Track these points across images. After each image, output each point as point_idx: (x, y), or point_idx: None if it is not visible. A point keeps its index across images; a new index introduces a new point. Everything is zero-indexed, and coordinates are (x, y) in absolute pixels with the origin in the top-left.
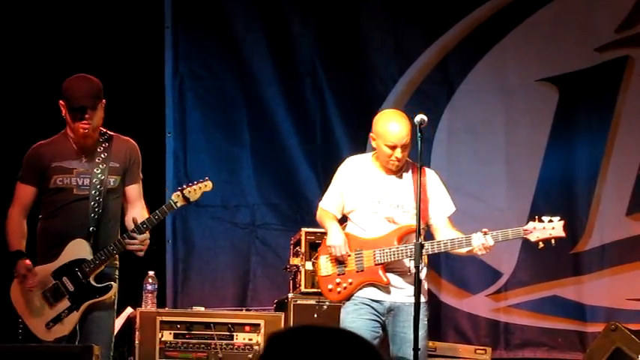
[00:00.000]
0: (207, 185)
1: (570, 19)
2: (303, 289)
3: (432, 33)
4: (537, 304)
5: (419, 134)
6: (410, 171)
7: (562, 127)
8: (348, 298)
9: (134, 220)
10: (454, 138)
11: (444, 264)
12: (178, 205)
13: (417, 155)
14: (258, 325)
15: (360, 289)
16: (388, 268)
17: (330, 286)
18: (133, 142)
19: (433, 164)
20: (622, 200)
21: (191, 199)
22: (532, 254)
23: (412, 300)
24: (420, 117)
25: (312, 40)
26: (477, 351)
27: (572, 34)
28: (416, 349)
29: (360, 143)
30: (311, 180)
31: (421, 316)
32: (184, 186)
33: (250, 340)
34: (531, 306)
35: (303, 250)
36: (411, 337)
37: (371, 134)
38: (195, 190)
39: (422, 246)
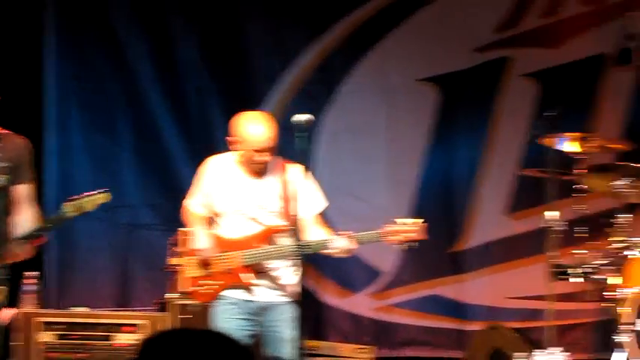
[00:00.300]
0: (104, 197)
1: (450, 20)
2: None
3: (313, 32)
4: (418, 303)
5: (304, 134)
6: (275, 170)
7: (442, 126)
8: (215, 299)
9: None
10: (336, 138)
11: (326, 262)
12: (70, 215)
13: (299, 155)
14: (139, 325)
15: (227, 289)
16: (257, 268)
17: (196, 288)
18: (25, 141)
19: (315, 164)
20: (502, 199)
21: (85, 210)
22: (412, 253)
23: (283, 299)
24: (306, 117)
25: (195, 41)
26: (359, 350)
27: (452, 34)
28: (292, 348)
29: None
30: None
31: (291, 316)
32: (78, 196)
33: (130, 340)
34: (413, 305)
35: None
36: (284, 335)
37: (231, 137)
38: (90, 200)
39: (302, 246)
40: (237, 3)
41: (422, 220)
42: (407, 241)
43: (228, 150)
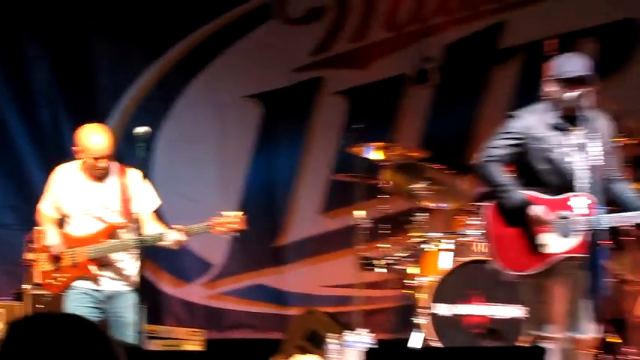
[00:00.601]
0: None
1: (271, 44)
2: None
3: (153, 54)
4: (244, 292)
5: (143, 144)
6: (115, 174)
7: (265, 137)
8: (66, 290)
9: None
10: (172, 146)
11: (162, 255)
12: None
13: (139, 162)
14: None
15: (76, 280)
16: (102, 261)
17: (48, 280)
18: None
19: (154, 170)
20: (317, 200)
21: None
22: (240, 247)
23: (126, 288)
24: (144, 129)
25: (47, 58)
26: (192, 333)
27: (273, 56)
28: (134, 332)
29: None
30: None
31: (133, 303)
32: None
33: None
34: (239, 293)
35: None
36: (128, 320)
37: (75, 147)
38: None
39: (141, 240)
40: (87, 27)
41: (242, 213)
42: (230, 231)
43: (74, 159)
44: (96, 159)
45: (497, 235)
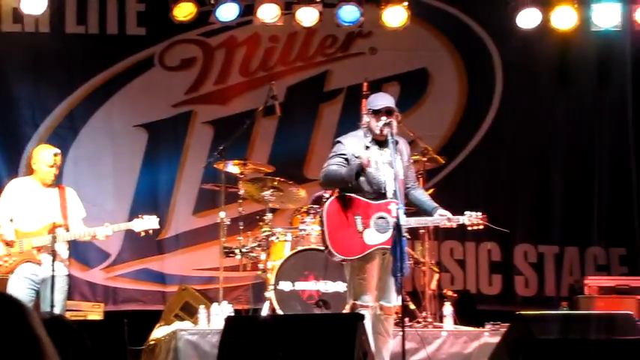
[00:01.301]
0: None
1: (155, 85)
2: None
3: (63, 92)
4: (135, 274)
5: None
6: (56, 188)
7: (150, 156)
8: (12, 272)
9: None
10: (78, 165)
11: (72, 247)
12: None
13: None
14: None
15: (20, 265)
16: (42, 250)
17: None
18: None
19: (64, 182)
20: (190, 204)
21: None
22: (131, 240)
23: (58, 272)
24: (56, 150)
25: None
26: (94, 306)
27: (157, 94)
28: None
29: (13, 171)
30: None
31: (63, 285)
32: None
33: None
34: (131, 275)
35: None
36: (58, 299)
37: (32, 161)
38: None
39: (78, 235)
40: (9, 67)
41: (155, 216)
42: (149, 230)
43: (4, 175)
44: (50, 166)
45: (331, 229)
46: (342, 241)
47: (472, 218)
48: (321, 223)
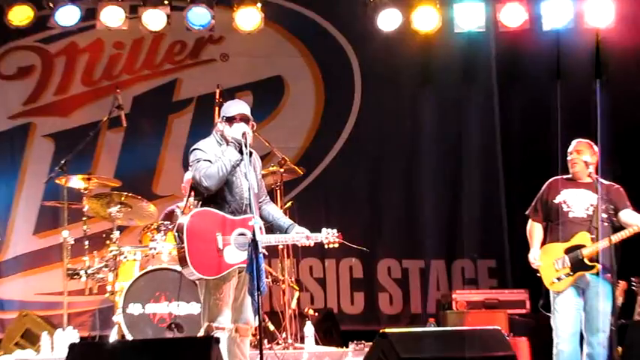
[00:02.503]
0: None
1: None
2: None
3: None
4: None
5: None
6: None
7: None
8: None
9: None
10: None
11: None
12: None
13: None
14: None
15: None
16: None
17: None
18: None
19: None
20: (31, 224)
21: None
22: None
23: None
24: None
25: None
26: None
27: None
28: None
29: None
30: None
31: None
32: None
33: None
34: None
35: None
36: None
37: None
38: None
39: None
40: None
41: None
42: None
43: None
44: None
45: (191, 246)
46: (201, 259)
47: (329, 236)
48: (180, 239)
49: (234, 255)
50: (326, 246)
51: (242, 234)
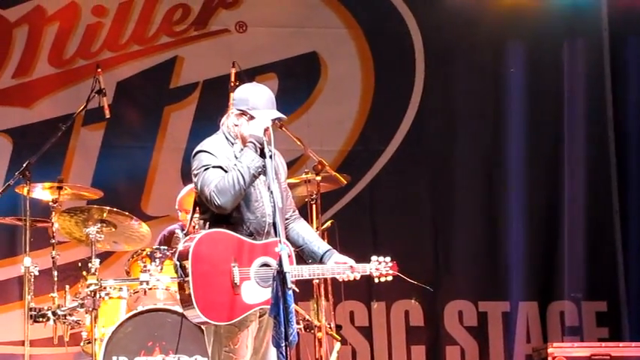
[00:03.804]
0: None
1: None
2: None
3: None
4: None
5: None
6: None
7: None
8: None
9: None
10: None
11: None
12: None
13: None
14: None
15: None
16: None
17: None
18: None
19: None
20: None
21: None
22: None
23: None
24: None
25: None
26: None
27: None
28: None
29: None
30: None
31: None
32: None
33: None
34: None
35: None
36: None
37: None
38: None
39: None
40: None
41: None
42: None
43: None
44: None
45: (198, 280)
46: (211, 297)
47: (381, 267)
48: (183, 271)
49: (255, 293)
50: (376, 279)
51: (265, 264)
